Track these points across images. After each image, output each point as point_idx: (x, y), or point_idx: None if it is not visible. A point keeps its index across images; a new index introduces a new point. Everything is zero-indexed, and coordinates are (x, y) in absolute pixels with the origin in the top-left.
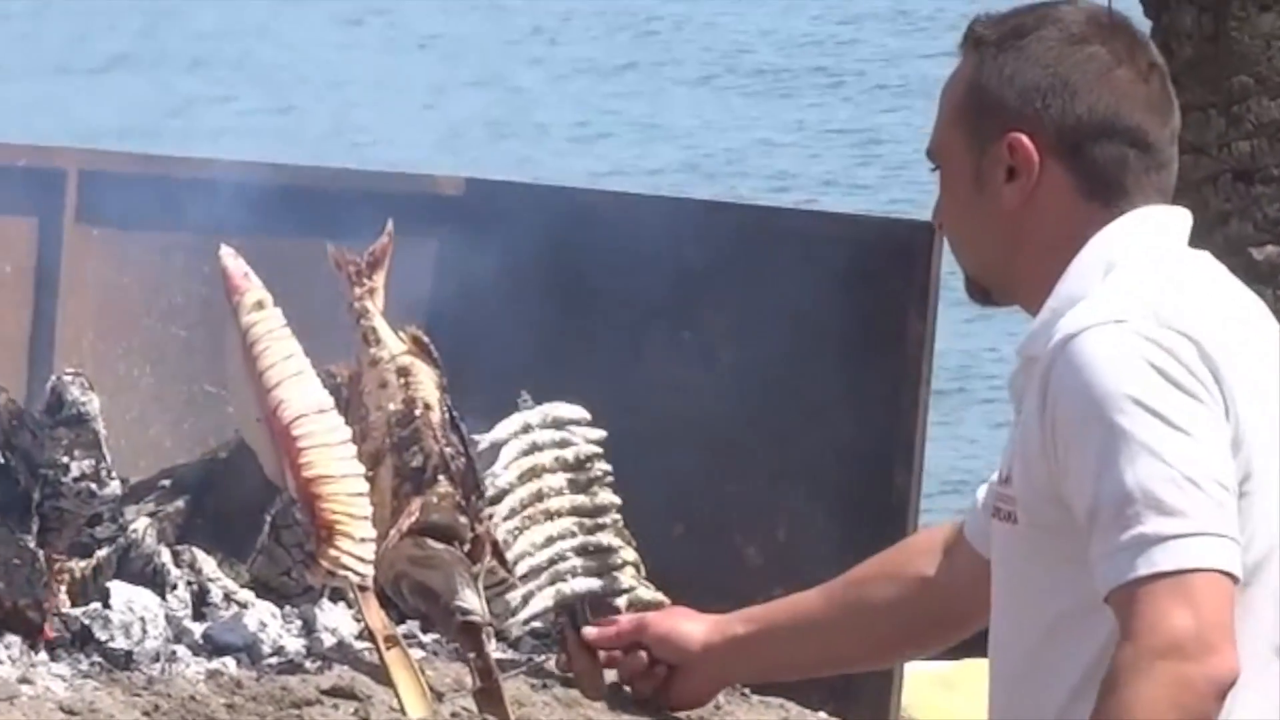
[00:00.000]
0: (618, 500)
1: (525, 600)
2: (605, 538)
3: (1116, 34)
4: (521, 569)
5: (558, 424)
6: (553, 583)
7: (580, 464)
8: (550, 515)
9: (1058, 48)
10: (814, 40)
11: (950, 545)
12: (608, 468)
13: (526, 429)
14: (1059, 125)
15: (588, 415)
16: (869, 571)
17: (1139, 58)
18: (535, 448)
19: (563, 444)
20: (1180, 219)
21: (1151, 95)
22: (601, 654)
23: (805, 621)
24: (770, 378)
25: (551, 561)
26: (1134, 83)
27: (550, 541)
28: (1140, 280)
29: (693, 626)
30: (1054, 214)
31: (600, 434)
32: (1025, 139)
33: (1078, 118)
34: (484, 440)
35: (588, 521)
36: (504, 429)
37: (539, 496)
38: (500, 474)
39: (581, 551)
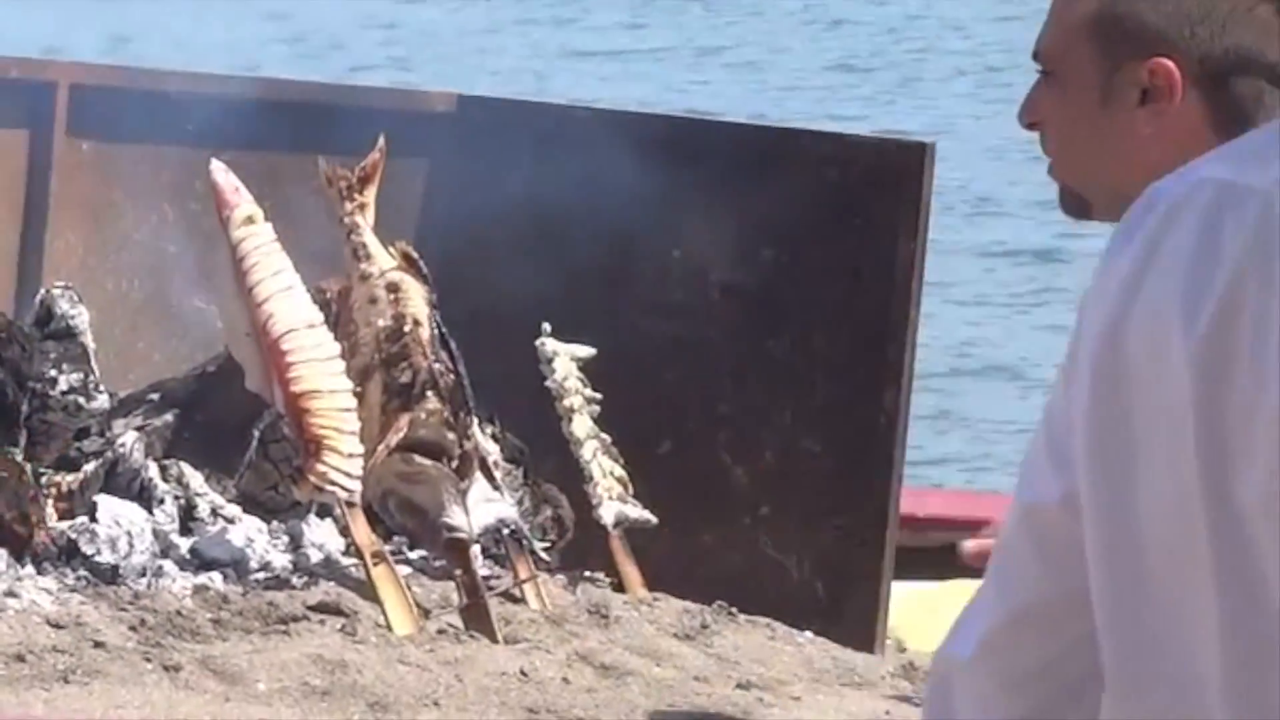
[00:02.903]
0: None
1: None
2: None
3: None
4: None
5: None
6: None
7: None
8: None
9: None
10: None
11: None
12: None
13: None
14: (1204, 56)
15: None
16: None
17: None
18: None
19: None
20: None
21: None
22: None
23: None
24: (759, 298)
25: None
26: (1273, 17)
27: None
28: None
29: None
30: (1181, 144)
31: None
32: (1171, 65)
33: (1225, 50)
34: None
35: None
36: None
37: None
38: None
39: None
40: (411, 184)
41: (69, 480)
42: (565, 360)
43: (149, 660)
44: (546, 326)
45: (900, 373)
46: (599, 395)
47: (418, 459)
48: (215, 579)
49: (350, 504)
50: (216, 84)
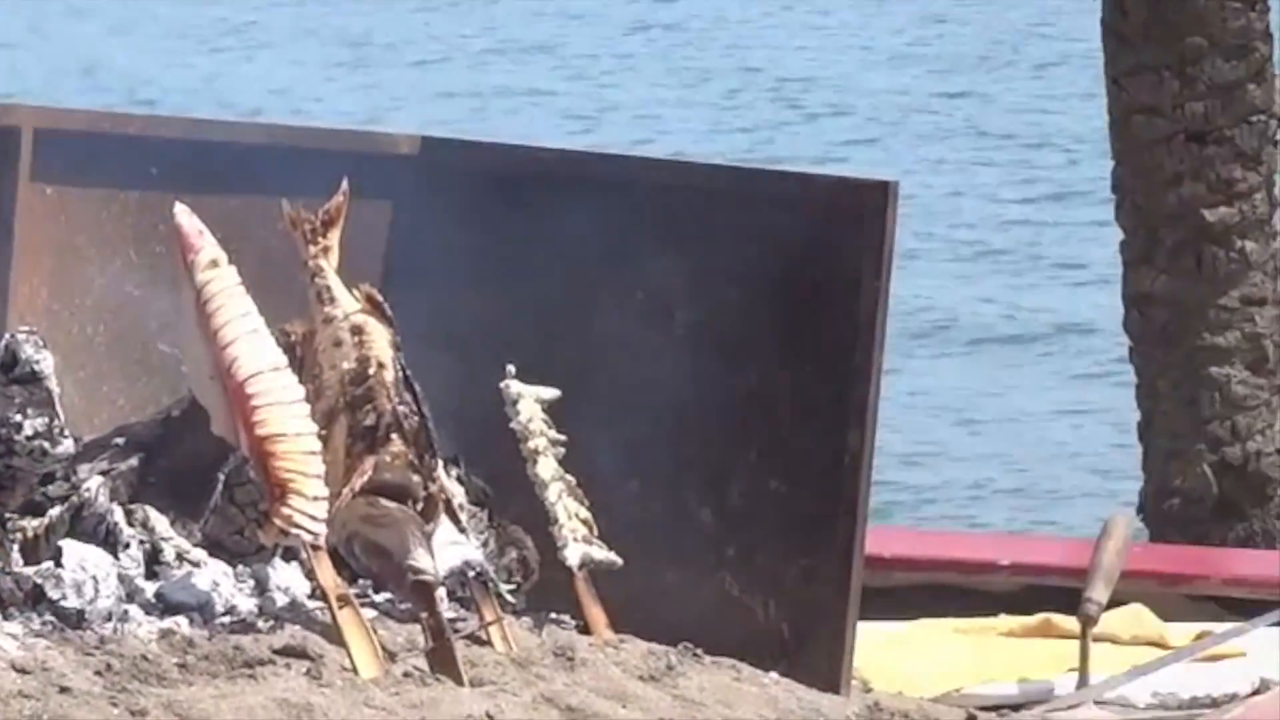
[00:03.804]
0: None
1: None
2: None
3: None
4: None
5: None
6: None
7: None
8: None
9: None
10: None
11: None
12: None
13: None
14: None
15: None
16: None
17: None
18: None
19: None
20: None
21: None
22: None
23: None
24: (724, 338)
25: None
26: None
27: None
28: None
29: None
30: None
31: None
32: None
33: None
34: None
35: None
36: None
37: None
38: None
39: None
40: (376, 226)
41: (34, 525)
42: (530, 402)
43: (115, 705)
44: (511, 369)
45: (865, 412)
46: (563, 437)
47: (383, 502)
48: (181, 623)
49: (315, 547)
50: (180, 127)
